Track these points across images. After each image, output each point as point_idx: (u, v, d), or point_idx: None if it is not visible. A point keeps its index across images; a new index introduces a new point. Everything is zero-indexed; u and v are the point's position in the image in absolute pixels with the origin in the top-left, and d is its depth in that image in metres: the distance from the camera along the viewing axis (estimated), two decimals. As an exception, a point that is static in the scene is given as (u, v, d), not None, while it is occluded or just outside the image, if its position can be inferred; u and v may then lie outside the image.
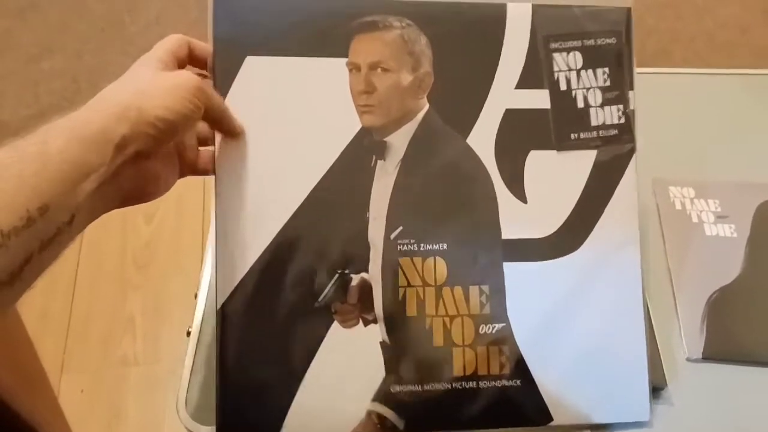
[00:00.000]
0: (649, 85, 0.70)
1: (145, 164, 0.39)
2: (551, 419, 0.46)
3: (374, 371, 0.44)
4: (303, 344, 0.44)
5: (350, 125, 0.45)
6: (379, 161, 0.45)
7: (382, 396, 0.44)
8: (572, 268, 0.47)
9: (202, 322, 0.54)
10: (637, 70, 0.73)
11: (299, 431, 0.44)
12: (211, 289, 0.56)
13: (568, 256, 0.47)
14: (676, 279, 0.56)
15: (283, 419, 0.44)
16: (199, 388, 0.50)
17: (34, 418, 0.62)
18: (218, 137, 0.44)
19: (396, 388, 0.45)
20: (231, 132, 0.44)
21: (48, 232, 0.33)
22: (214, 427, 0.49)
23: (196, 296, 0.56)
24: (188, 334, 0.54)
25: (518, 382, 0.46)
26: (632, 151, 0.49)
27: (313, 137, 0.45)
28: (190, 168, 0.45)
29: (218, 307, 0.45)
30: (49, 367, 0.67)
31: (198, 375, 0.51)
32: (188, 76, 0.40)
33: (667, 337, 0.53)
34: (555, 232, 0.47)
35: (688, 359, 0.52)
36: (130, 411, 0.94)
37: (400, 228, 0.45)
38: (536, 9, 0.48)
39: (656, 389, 0.50)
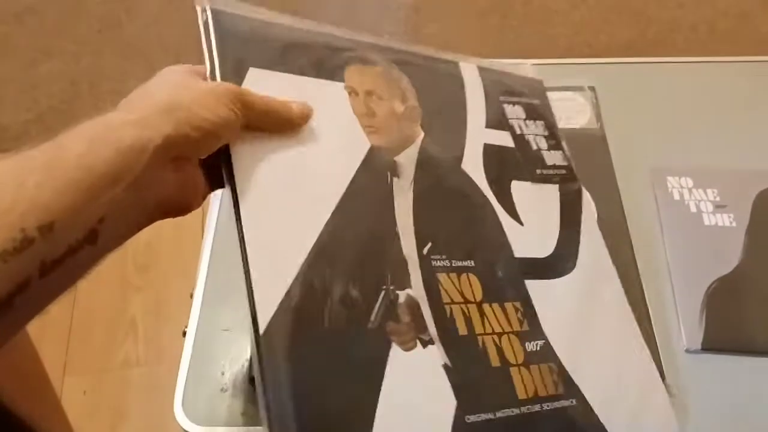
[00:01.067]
0: (647, 74, 0.70)
1: (184, 170, 0.35)
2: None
3: (445, 399, 0.41)
4: (368, 371, 0.39)
5: (360, 143, 0.45)
6: (394, 178, 0.45)
7: (461, 428, 0.40)
8: (576, 285, 0.48)
9: (198, 322, 0.54)
10: (635, 59, 0.73)
11: None
12: (208, 290, 0.56)
13: (570, 274, 0.48)
14: (675, 270, 0.55)
15: None
16: (196, 389, 0.50)
17: (36, 422, 0.62)
18: (233, 150, 0.39)
19: (470, 419, 0.41)
20: (289, 123, 0.41)
21: (53, 252, 0.29)
22: (211, 428, 0.49)
23: (191, 296, 0.56)
24: (184, 334, 0.54)
25: (574, 401, 0.44)
26: (580, 191, 0.53)
27: (327, 153, 0.43)
28: (219, 181, 0.40)
29: (260, 331, 0.38)
30: (51, 369, 0.67)
31: (194, 376, 0.51)
32: (226, 84, 0.38)
33: (665, 329, 0.52)
34: (553, 251, 0.48)
35: (687, 350, 0.51)
36: (133, 412, 0.94)
37: (430, 244, 0.44)
38: (480, 70, 0.54)
39: (655, 381, 0.49)
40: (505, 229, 0.47)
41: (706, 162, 0.62)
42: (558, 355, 0.45)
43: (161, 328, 1.04)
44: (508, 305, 0.44)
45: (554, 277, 0.47)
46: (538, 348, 0.44)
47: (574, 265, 0.49)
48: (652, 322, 0.52)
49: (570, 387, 0.44)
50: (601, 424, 0.44)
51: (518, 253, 0.47)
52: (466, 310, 0.43)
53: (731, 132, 0.65)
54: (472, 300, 0.43)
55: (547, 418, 0.43)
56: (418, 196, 0.45)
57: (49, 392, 0.74)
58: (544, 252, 0.48)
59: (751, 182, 0.60)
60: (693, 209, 0.59)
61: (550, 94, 0.66)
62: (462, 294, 0.43)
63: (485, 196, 0.48)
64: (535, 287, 0.46)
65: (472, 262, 0.45)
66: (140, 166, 0.32)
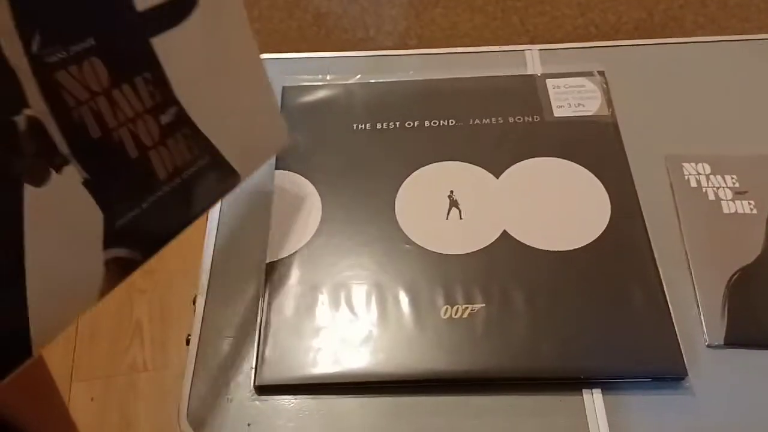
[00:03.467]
0: (658, 56, 0.67)
1: None
2: (239, 175, 0.48)
3: (92, 217, 0.39)
4: (2, 233, 0.35)
5: None
6: None
7: (111, 238, 0.40)
8: (199, 22, 0.42)
9: (201, 329, 0.52)
10: (645, 41, 0.70)
11: (46, 325, 0.38)
12: (210, 297, 0.54)
13: (193, 12, 0.42)
14: (694, 261, 0.53)
15: (28, 327, 0.37)
16: (201, 399, 0.49)
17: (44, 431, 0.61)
18: None
19: (120, 223, 0.40)
20: None
21: None
22: (217, 439, 0.48)
23: (194, 302, 0.54)
24: (188, 342, 0.52)
25: (207, 157, 0.44)
26: None
27: None
28: None
29: None
30: (58, 376, 0.66)
31: (199, 385, 0.49)
32: None
33: (685, 323, 0.50)
34: None
35: (708, 346, 0.49)
36: (141, 418, 0.93)
37: (38, 36, 0.35)
38: None
39: (676, 379, 0.47)
40: None
41: (724, 147, 0.59)
42: (190, 116, 0.43)
43: (167, 332, 1.02)
44: (138, 81, 0.40)
45: (178, 22, 0.41)
46: (172, 117, 0.42)
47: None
48: (672, 316, 0.49)
49: (202, 144, 0.44)
50: (232, 167, 0.46)
51: (141, 4, 0.39)
52: (95, 107, 0.38)
53: (748, 115, 0.62)
54: (99, 90, 0.38)
55: (188, 186, 0.43)
56: None
57: (57, 400, 0.73)
58: None
59: (772, 166, 0.57)
60: (711, 197, 0.56)
61: (560, 81, 0.64)
62: (88, 88, 0.37)
63: None
64: (161, 45, 0.41)
65: (93, 41, 0.37)
66: None
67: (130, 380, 0.98)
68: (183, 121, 0.43)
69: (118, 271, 0.41)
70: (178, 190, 0.44)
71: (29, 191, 0.35)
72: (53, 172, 0.37)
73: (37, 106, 0.35)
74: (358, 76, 0.66)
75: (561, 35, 1.27)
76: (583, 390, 0.48)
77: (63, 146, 0.37)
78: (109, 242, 0.40)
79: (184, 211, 0.45)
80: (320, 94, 0.64)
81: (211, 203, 0.48)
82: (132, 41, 0.39)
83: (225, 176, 0.48)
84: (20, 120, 0.34)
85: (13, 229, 0.35)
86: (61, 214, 0.38)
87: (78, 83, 0.37)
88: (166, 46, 0.41)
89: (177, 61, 0.42)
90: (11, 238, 0.35)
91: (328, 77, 0.66)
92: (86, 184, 0.38)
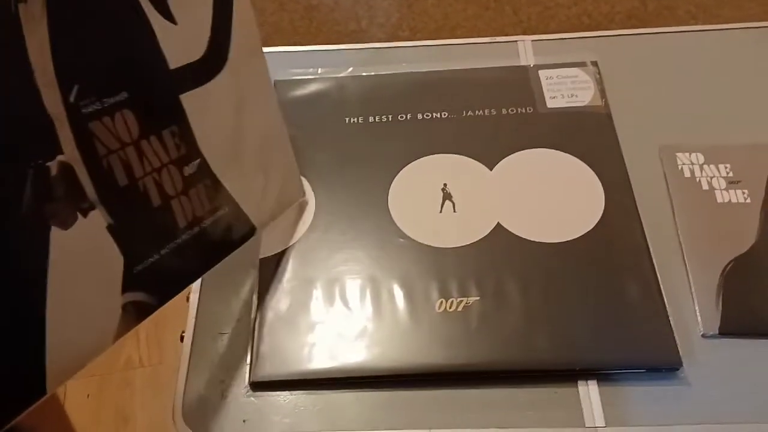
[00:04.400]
0: (651, 45, 0.67)
1: None
2: (254, 227, 0.49)
3: (113, 261, 0.40)
4: (27, 273, 0.36)
5: None
6: (20, 4, 0.33)
7: (130, 282, 0.41)
8: (227, 82, 0.44)
9: (195, 326, 0.52)
10: (638, 31, 0.70)
11: (62, 366, 0.39)
12: (204, 293, 0.54)
13: (221, 72, 0.44)
14: (688, 251, 0.53)
15: (44, 366, 0.38)
16: (196, 397, 0.49)
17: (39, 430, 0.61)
18: None
19: (139, 268, 0.41)
20: None
21: None
22: (212, 435, 0.47)
23: (188, 299, 0.54)
24: (182, 338, 0.52)
25: (227, 208, 0.46)
26: None
27: None
28: None
29: None
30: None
31: (193, 383, 0.49)
32: None
33: (680, 313, 0.50)
34: (207, 49, 0.42)
35: (703, 336, 0.49)
36: (137, 414, 0.93)
37: (77, 87, 0.36)
38: None
39: (671, 369, 0.47)
40: (158, 36, 0.40)
41: (717, 136, 0.59)
42: (212, 168, 0.44)
43: (163, 327, 1.02)
44: (166, 133, 0.41)
45: (206, 81, 0.43)
46: (195, 169, 0.43)
47: (226, 58, 0.44)
48: (667, 307, 0.49)
49: (222, 196, 0.45)
50: (249, 219, 0.48)
51: (173, 63, 0.41)
52: (124, 156, 0.39)
53: (742, 104, 0.62)
54: (129, 141, 0.39)
55: (205, 235, 0.45)
56: (56, 24, 0.35)
57: (52, 398, 0.73)
58: (198, 53, 0.42)
59: (766, 156, 0.57)
60: (705, 186, 0.56)
61: (552, 71, 0.63)
62: (118, 138, 0.39)
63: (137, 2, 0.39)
64: (189, 101, 0.42)
65: (126, 94, 0.39)
66: None
67: (125, 377, 0.98)
68: (205, 173, 0.44)
69: (134, 314, 0.42)
70: (196, 239, 0.45)
71: (55, 233, 0.37)
72: (80, 216, 0.38)
73: (70, 153, 0.37)
74: (350, 69, 0.66)
75: (554, 25, 1.27)
76: (579, 381, 0.48)
77: (91, 192, 0.38)
78: (127, 286, 0.41)
79: (200, 259, 0.46)
80: (312, 87, 0.64)
81: (226, 253, 0.48)
82: (162, 97, 0.41)
83: (242, 228, 0.49)
84: (53, 165, 0.36)
85: (39, 269, 0.37)
86: (84, 257, 0.39)
87: (110, 133, 0.39)
88: (194, 102, 0.43)
89: (203, 116, 0.43)
90: (36, 278, 0.37)
91: (319, 71, 0.66)
92: (110, 228, 0.39)
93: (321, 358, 0.48)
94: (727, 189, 0.56)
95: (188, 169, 0.43)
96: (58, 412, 0.72)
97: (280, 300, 0.51)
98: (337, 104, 0.62)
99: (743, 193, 0.55)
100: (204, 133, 0.44)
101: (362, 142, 0.59)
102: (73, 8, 0.36)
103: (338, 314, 0.50)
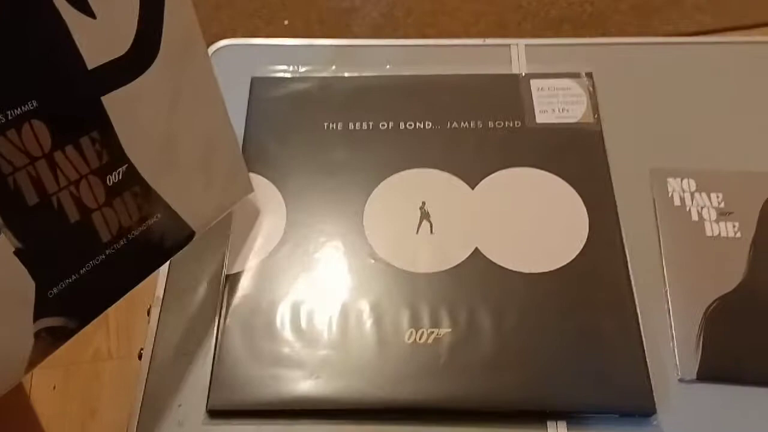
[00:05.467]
0: (651, 57, 0.63)
1: None
2: (193, 231, 0.47)
3: (22, 287, 0.37)
4: None
5: None
6: None
7: (44, 308, 0.38)
8: (158, 76, 0.40)
9: (154, 344, 0.50)
10: (637, 39, 0.66)
11: None
12: (165, 308, 0.52)
13: (152, 66, 0.40)
14: (672, 288, 0.51)
15: None
16: (151, 422, 0.47)
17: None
18: None
19: (54, 291, 0.38)
20: None
21: None
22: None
23: (148, 312, 0.52)
24: (140, 357, 0.50)
25: (159, 215, 0.43)
26: None
27: None
28: None
29: None
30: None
31: (149, 407, 0.47)
32: None
33: (658, 355, 0.48)
34: (133, 42, 0.38)
35: (680, 380, 0.48)
36: (104, 407, 0.92)
37: None
38: None
39: (645, 414, 0.46)
40: (74, 33, 0.35)
41: (712, 160, 0.57)
42: (141, 174, 0.41)
43: (133, 320, 1.00)
44: (85, 141, 0.37)
45: (133, 79, 0.39)
46: (120, 177, 0.40)
47: (156, 53, 0.40)
48: (645, 349, 0.47)
49: (154, 202, 0.42)
50: (182, 220, 0.44)
51: (92, 62, 0.36)
52: (33, 172, 0.35)
53: (741, 126, 0.59)
54: (39, 154, 0.35)
55: (134, 247, 0.41)
56: None
57: (17, 389, 0.71)
58: (122, 48, 0.38)
59: (760, 186, 0.55)
60: (695, 217, 0.54)
61: (544, 82, 0.60)
62: (27, 153, 0.35)
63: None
64: (113, 102, 0.38)
65: (35, 102, 0.34)
66: None
67: (93, 369, 0.96)
68: (133, 179, 0.40)
69: (49, 341, 0.39)
70: (123, 252, 0.41)
71: None
72: None
73: None
74: (333, 67, 0.62)
75: (555, 12, 1.22)
76: (548, 422, 0.46)
77: None
78: (40, 312, 0.37)
79: (128, 274, 0.43)
80: (291, 87, 0.61)
81: (160, 263, 0.46)
82: (80, 101, 0.36)
83: (177, 233, 0.45)
84: None
85: None
86: None
87: (15, 149, 0.34)
88: (118, 103, 0.38)
89: (130, 118, 0.39)
90: None
91: (300, 68, 0.62)
92: (18, 253, 0.36)
93: (282, 388, 0.46)
94: (717, 221, 0.53)
95: (112, 178, 0.39)
96: (23, 404, 0.70)
97: (244, 322, 0.49)
98: (317, 107, 0.59)
99: (734, 226, 0.53)
100: (131, 137, 0.39)
101: (341, 152, 0.57)
102: None
103: (303, 340, 0.48)
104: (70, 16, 0.35)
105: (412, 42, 0.65)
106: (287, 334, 0.48)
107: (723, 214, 0.54)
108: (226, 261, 0.52)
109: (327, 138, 0.57)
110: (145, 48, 0.39)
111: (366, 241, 0.52)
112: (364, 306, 0.49)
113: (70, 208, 0.37)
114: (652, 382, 0.46)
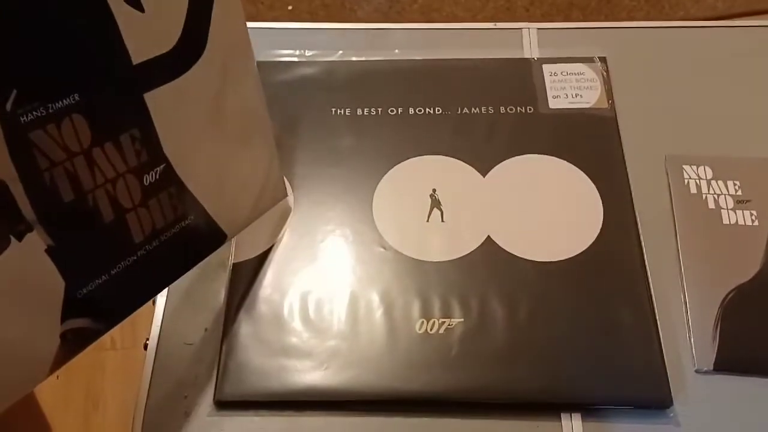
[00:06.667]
0: (666, 41, 0.61)
1: None
2: (225, 235, 0.45)
3: (52, 286, 0.36)
4: None
5: None
6: None
7: (71, 308, 0.37)
8: (203, 75, 0.39)
9: (160, 334, 0.49)
10: (652, 23, 0.65)
11: None
12: (170, 299, 0.51)
13: (197, 63, 0.38)
14: (688, 277, 0.50)
15: None
16: (157, 412, 0.46)
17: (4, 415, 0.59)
18: None
19: (83, 291, 0.37)
20: None
21: None
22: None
23: (153, 302, 0.51)
24: (145, 347, 0.49)
25: (192, 217, 0.42)
26: None
27: None
28: None
29: None
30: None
31: (156, 397, 0.47)
32: None
33: (675, 346, 0.47)
34: (179, 40, 0.37)
35: (697, 371, 0.47)
36: (108, 397, 0.91)
37: (15, 92, 0.31)
38: None
39: (661, 406, 0.45)
40: (121, 27, 0.34)
41: (728, 147, 0.55)
42: (178, 174, 0.40)
43: (139, 311, 0.99)
44: (124, 138, 0.36)
45: (177, 76, 0.38)
46: (157, 176, 0.39)
47: (202, 50, 0.39)
48: (661, 340, 0.46)
49: (188, 204, 0.41)
50: (219, 227, 0.44)
51: (137, 57, 0.35)
52: (71, 168, 0.34)
53: (758, 112, 0.57)
54: (78, 150, 0.34)
55: (165, 249, 0.40)
56: None
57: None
58: (169, 44, 0.37)
59: (778, 173, 0.54)
60: (711, 204, 0.53)
61: (557, 67, 0.59)
62: (65, 148, 0.34)
63: None
64: (156, 99, 0.37)
65: (77, 96, 0.33)
66: None
67: (97, 358, 0.95)
68: (170, 179, 0.39)
69: (75, 342, 0.38)
70: (154, 254, 0.40)
71: None
72: (13, 240, 0.33)
73: (4, 170, 0.31)
74: (340, 52, 0.61)
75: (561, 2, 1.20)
76: (562, 414, 0.45)
77: (28, 212, 0.33)
78: (68, 313, 0.36)
79: (157, 276, 0.42)
80: (298, 72, 0.59)
81: (189, 266, 0.44)
82: (123, 97, 0.35)
83: (210, 237, 0.44)
84: None
85: None
86: (14, 282, 0.34)
87: (55, 143, 0.33)
88: (161, 100, 0.37)
89: (171, 116, 0.38)
90: None
91: (307, 53, 0.61)
92: (49, 251, 0.34)
93: (291, 379, 0.45)
94: (734, 209, 0.52)
95: (149, 177, 0.38)
96: (26, 395, 0.70)
97: (251, 312, 0.48)
98: (324, 92, 0.58)
99: (751, 214, 0.52)
100: (171, 135, 0.39)
101: (349, 138, 0.55)
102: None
103: (311, 330, 0.47)
104: (119, 8, 0.34)
105: (421, 26, 0.64)
106: (295, 324, 0.47)
107: (740, 202, 0.52)
108: (233, 249, 0.51)
109: (334, 124, 0.56)
110: (191, 45, 0.38)
111: (375, 229, 0.51)
112: (374, 295, 0.48)
113: (105, 206, 0.36)
114: (668, 373, 0.45)
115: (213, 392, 0.46)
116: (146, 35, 0.35)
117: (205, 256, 0.45)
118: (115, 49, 0.34)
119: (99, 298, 0.38)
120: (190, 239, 0.43)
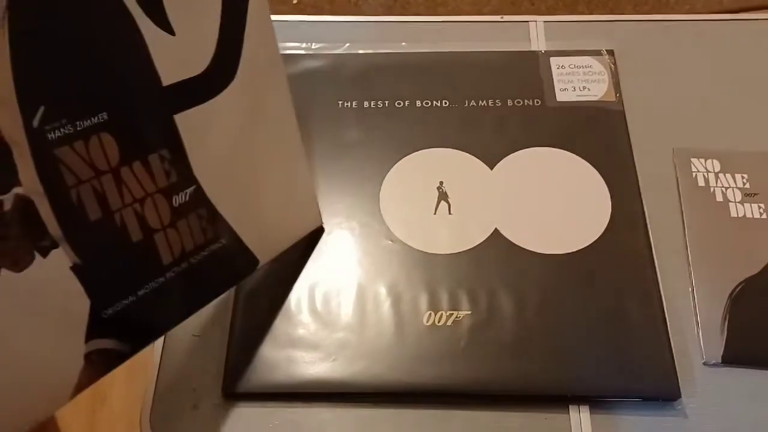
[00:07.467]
0: (674, 35, 0.61)
1: None
2: (258, 260, 0.45)
3: (77, 305, 0.35)
4: None
5: None
6: None
7: (97, 328, 0.36)
8: (234, 99, 0.39)
9: (168, 326, 0.49)
10: (660, 17, 0.65)
11: (7, 426, 0.35)
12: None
13: (229, 87, 0.39)
14: (696, 270, 0.50)
15: None
16: (166, 405, 0.46)
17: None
18: None
19: (109, 312, 0.36)
20: None
21: None
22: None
23: (162, 295, 0.51)
24: (154, 339, 0.49)
25: (223, 240, 0.41)
26: None
27: None
28: None
29: None
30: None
31: (163, 390, 0.47)
32: None
33: (683, 339, 0.47)
34: (210, 63, 0.38)
35: (705, 364, 0.46)
36: (114, 394, 0.91)
37: (43, 108, 0.31)
38: None
39: (669, 399, 0.45)
40: (150, 48, 0.34)
41: (736, 141, 0.55)
42: (208, 196, 0.39)
43: None
44: (153, 158, 0.36)
45: (208, 99, 0.38)
46: (187, 198, 0.38)
47: (234, 73, 0.39)
48: (669, 332, 0.46)
49: (219, 227, 0.40)
50: (250, 252, 0.43)
51: (168, 79, 0.36)
52: (98, 186, 0.34)
53: (767, 108, 0.57)
54: (106, 169, 0.34)
55: (194, 272, 0.40)
56: (18, 34, 0.30)
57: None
58: (200, 67, 0.37)
59: (787, 166, 0.53)
60: (719, 197, 0.52)
61: (564, 59, 0.59)
62: (93, 166, 0.34)
63: (125, 6, 0.33)
64: (186, 121, 0.37)
65: (105, 115, 0.33)
66: None
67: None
68: (199, 201, 0.39)
69: (99, 364, 0.37)
70: (182, 277, 0.39)
71: (4, 276, 0.31)
72: (38, 256, 0.32)
73: (29, 184, 0.31)
74: (347, 45, 0.61)
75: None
76: (570, 406, 0.45)
77: (54, 228, 0.33)
78: (93, 333, 0.36)
79: (186, 300, 0.41)
80: (305, 65, 0.59)
81: (221, 291, 0.43)
82: (152, 118, 0.35)
83: (241, 261, 0.43)
84: (6, 199, 0.30)
85: None
86: (39, 301, 0.33)
87: (82, 161, 0.33)
88: (191, 122, 0.37)
89: (201, 138, 0.38)
90: None
91: (314, 46, 0.61)
92: (75, 268, 0.34)
93: (299, 371, 0.45)
94: (742, 202, 0.52)
95: (179, 198, 0.38)
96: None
97: (259, 304, 0.48)
98: (330, 85, 0.58)
99: (759, 207, 0.52)
100: (201, 157, 0.38)
101: (356, 131, 0.55)
102: (44, 14, 0.30)
103: (319, 322, 0.47)
104: (149, 31, 0.34)
105: (428, 19, 0.63)
106: (303, 316, 0.47)
107: (748, 195, 0.52)
108: (240, 242, 0.51)
109: (341, 117, 0.56)
110: (223, 68, 0.38)
111: (382, 221, 0.51)
112: (381, 288, 0.48)
113: (132, 226, 0.36)
114: (676, 365, 0.45)
115: (221, 384, 0.46)
116: (176, 58, 0.35)
117: (236, 282, 0.44)
118: (144, 70, 0.34)
119: (125, 319, 0.37)
120: (220, 263, 0.41)
